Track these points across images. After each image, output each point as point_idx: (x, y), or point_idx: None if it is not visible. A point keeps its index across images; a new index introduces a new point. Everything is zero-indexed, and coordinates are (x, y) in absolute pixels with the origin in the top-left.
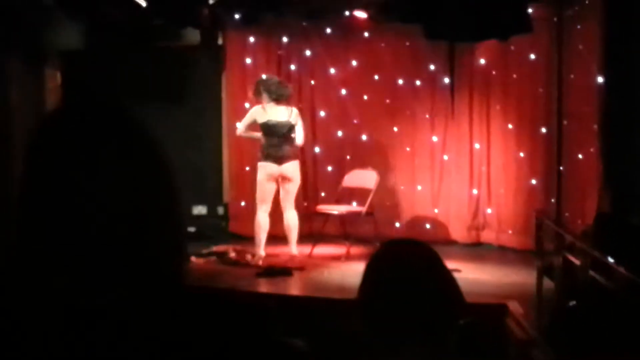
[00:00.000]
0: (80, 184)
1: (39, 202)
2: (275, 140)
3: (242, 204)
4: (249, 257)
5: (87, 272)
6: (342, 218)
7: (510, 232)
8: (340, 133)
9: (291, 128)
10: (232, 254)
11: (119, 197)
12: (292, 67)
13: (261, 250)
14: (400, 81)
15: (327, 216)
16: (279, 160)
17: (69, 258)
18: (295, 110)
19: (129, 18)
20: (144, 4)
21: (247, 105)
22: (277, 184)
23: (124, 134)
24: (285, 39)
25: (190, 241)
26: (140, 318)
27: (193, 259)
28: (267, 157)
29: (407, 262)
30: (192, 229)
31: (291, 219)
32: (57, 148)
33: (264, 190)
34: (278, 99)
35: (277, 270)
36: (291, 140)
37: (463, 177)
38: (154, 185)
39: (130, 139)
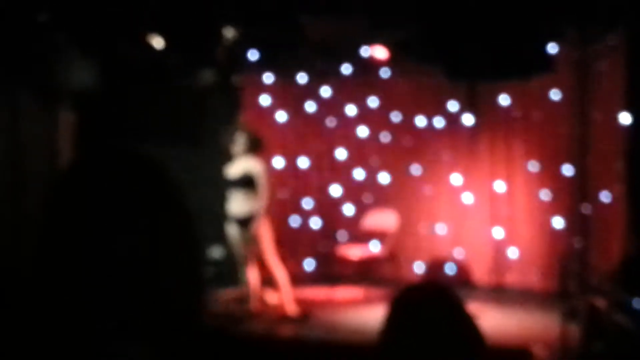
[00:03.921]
0: (101, 239)
1: (59, 256)
2: None
3: None
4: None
5: (108, 325)
6: (362, 262)
7: (533, 273)
8: (359, 173)
9: None
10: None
11: (142, 249)
12: (309, 106)
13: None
14: (420, 120)
15: (346, 258)
16: None
17: (90, 312)
18: None
19: (144, 58)
20: (160, 45)
21: None
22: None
23: (145, 184)
24: (302, 79)
25: (208, 284)
26: None
27: (210, 302)
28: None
29: (428, 308)
30: (210, 272)
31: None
32: (78, 203)
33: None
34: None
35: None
36: None
37: (484, 218)
38: (175, 234)
39: (152, 188)
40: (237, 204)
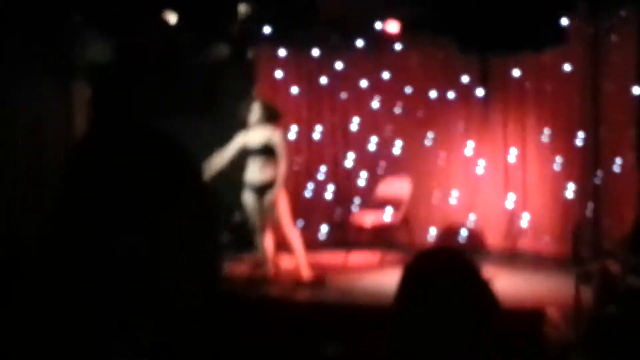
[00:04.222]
0: (117, 213)
1: (76, 227)
2: None
3: None
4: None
5: (122, 301)
6: (376, 229)
7: (546, 239)
8: (372, 144)
9: None
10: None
11: (159, 222)
12: (323, 80)
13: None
14: (433, 93)
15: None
16: None
17: (105, 289)
18: None
19: (159, 33)
20: (174, 20)
21: None
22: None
23: (161, 157)
24: (315, 53)
25: (226, 249)
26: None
27: (227, 267)
28: None
29: (443, 272)
30: (226, 237)
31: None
32: (94, 175)
33: None
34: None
35: (312, 281)
36: None
37: (498, 185)
38: (193, 207)
39: (168, 161)
40: (255, 172)
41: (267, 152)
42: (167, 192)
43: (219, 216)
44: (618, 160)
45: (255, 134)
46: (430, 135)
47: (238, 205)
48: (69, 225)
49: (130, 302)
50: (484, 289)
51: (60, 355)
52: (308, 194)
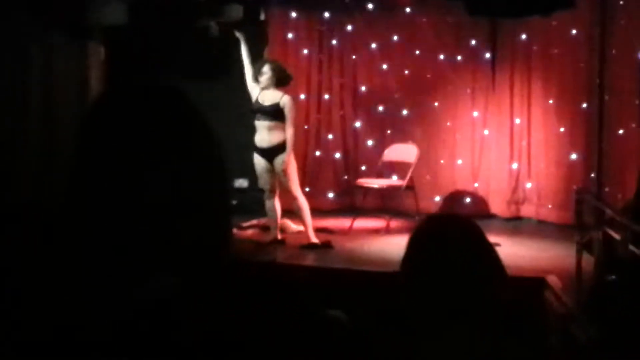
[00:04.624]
0: (132, 166)
1: (91, 183)
2: None
3: None
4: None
5: (138, 249)
6: (382, 192)
7: (550, 206)
8: (381, 108)
9: None
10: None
11: (172, 177)
12: (334, 42)
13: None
14: (442, 56)
15: (367, 190)
16: None
17: (119, 240)
18: None
19: None
20: None
21: None
22: None
23: (175, 115)
24: (326, 15)
25: (232, 214)
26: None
27: (235, 231)
28: None
29: (450, 237)
30: (234, 202)
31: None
32: (109, 130)
33: None
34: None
35: (319, 244)
36: None
37: (503, 152)
38: (205, 165)
39: (182, 119)
40: (264, 135)
41: (276, 115)
42: (180, 144)
43: (228, 174)
44: (622, 128)
45: (265, 97)
46: (437, 99)
47: (244, 171)
48: (87, 175)
49: (151, 249)
50: (490, 254)
51: (85, 299)
52: (316, 158)
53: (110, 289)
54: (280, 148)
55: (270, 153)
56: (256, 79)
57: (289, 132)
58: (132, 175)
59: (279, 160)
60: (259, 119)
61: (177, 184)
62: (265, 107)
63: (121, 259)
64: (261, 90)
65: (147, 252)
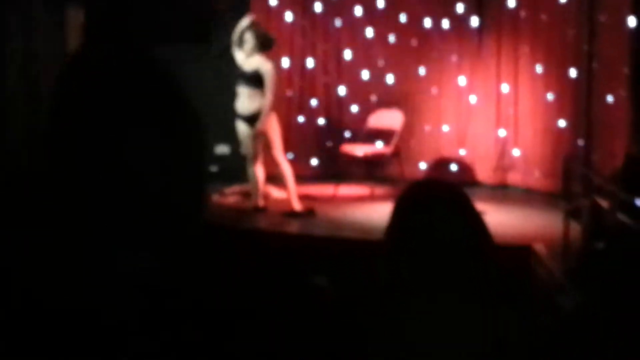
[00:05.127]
0: (105, 129)
1: (66, 145)
2: None
3: None
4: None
5: (114, 218)
6: (367, 159)
7: (536, 174)
8: (365, 74)
9: None
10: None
11: (145, 140)
12: (317, 7)
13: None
14: (427, 22)
15: (351, 156)
16: None
17: (95, 207)
18: None
19: None
20: None
21: None
22: None
23: (148, 77)
24: None
25: (213, 181)
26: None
27: (217, 198)
28: None
29: (436, 203)
30: (214, 169)
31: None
32: (82, 91)
33: None
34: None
35: (302, 212)
36: None
37: (489, 119)
38: (181, 132)
39: (155, 81)
40: (245, 101)
41: (256, 81)
42: (154, 108)
43: (206, 140)
44: (611, 95)
45: (246, 63)
46: (423, 66)
47: (226, 137)
48: (61, 136)
49: (126, 215)
50: (477, 220)
51: (65, 268)
52: (299, 125)
53: (95, 263)
54: (259, 116)
55: (252, 119)
56: (239, 45)
57: (267, 97)
58: (103, 136)
59: (258, 124)
60: (240, 85)
61: (149, 148)
62: (246, 73)
63: (96, 227)
64: (246, 57)
65: (118, 220)
